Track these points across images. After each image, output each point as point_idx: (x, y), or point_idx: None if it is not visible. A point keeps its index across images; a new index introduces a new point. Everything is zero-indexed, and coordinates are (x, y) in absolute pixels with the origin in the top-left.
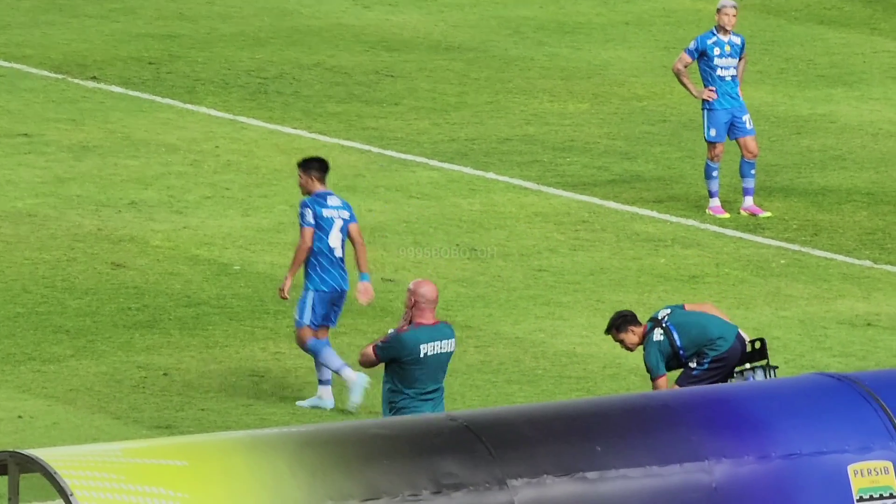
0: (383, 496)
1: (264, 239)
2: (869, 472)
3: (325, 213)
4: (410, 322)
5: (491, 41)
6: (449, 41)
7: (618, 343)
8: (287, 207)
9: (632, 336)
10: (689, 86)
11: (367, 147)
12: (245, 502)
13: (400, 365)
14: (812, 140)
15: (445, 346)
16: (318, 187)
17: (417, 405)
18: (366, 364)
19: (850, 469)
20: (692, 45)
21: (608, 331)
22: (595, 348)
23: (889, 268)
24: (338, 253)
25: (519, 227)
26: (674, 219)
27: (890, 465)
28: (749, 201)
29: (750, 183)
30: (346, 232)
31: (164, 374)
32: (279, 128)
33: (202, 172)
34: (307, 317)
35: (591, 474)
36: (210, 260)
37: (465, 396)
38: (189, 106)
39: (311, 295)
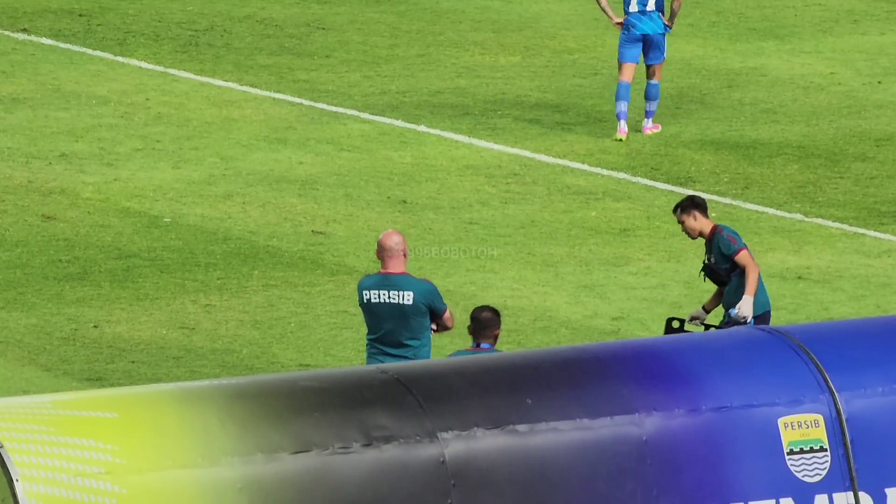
0: (313, 448)
1: (195, 191)
2: (799, 425)
3: None
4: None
5: None
6: None
7: (679, 224)
8: (218, 160)
9: (694, 221)
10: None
11: (298, 100)
12: (175, 454)
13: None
14: (743, 93)
15: (394, 296)
16: None
17: (371, 352)
18: None
19: (781, 422)
20: None
21: (675, 209)
22: (526, 301)
23: (820, 221)
24: None
25: (450, 179)
26: (605, 172)
27: (820, 417)
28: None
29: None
30: None
31: (95, 327)
32: (210, 80)
33: (133, 125)
34: None
35: (521, 427)
36: (141, 212)
37: None
38: (120, 58)
39: None
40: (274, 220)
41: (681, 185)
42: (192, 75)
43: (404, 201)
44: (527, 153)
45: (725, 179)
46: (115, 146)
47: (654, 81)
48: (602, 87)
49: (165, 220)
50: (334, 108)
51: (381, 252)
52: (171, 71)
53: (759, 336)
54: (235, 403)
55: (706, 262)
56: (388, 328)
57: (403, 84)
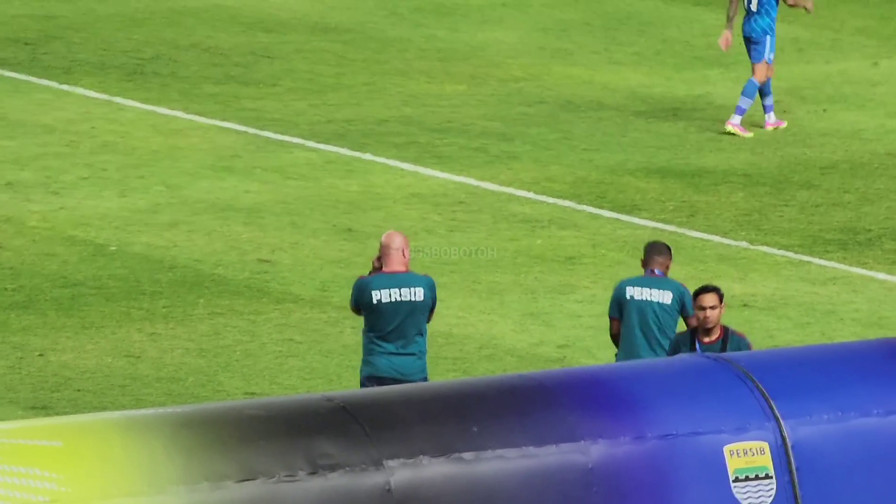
0: (259, 476)
1: (141, 220)
2: (745, 453)
3: None
4: (379, 270)
5: (368, 22)
6: (326, 22)
7: (705, 309)
8: (164, 188)
9: (721, 312)
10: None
11: (244, 128)
12: (120, 482)
13: (362, 310)
14: (689, 121)
15: (406, 294)
16: None
17: (374, 351)
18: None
19: (727, 450)
20: None
21: (712, 291)
22: (471, 329)
23: (765, 249)
24: None
25: (396, 208)
26: (550, 200)
27: (766, 445)
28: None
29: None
30: None
31: (40, 355)
32: (156, 109)
33: (79, 153)
34: None
35: (467, 455)
36: (86, 241)
37: (341, 377)
38: (66, 87)
39: None
40: (220, 249)
41: (626, 213)
42: (138, 104)
43: (350, 229)
44: (473, 181)
45: (671, 207)
46: (61, 175)
47: (751, 79)
48: (548, 116)
49: (111, 248)
50: (280, 137)
51: (385, 251)
52: (117, 99)
53: (704, 364)
54: (181, 432)
55: None
56: (397, 326)
57: (350, 112)
